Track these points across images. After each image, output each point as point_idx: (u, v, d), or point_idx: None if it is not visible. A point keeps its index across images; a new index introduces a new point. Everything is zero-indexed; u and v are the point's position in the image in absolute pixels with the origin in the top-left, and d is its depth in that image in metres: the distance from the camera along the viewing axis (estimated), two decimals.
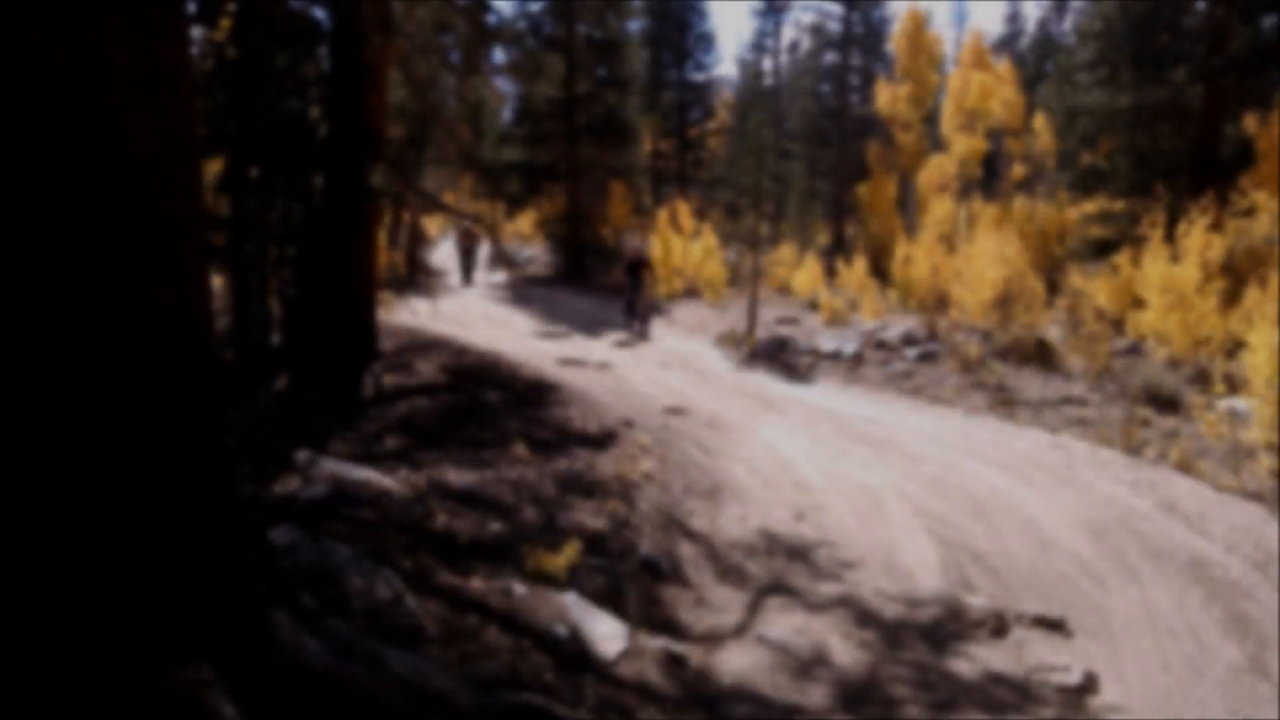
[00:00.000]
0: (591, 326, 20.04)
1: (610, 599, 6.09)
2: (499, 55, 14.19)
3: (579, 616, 5.51)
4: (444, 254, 29.81)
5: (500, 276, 26.72)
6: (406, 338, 14.02)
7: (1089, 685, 5.77)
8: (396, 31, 11.41)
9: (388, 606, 4.66)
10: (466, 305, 21.72)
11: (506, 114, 34.70)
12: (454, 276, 27.30)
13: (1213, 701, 5.66)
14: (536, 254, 32.75)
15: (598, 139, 27.25)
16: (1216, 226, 14.51)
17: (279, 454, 7.21)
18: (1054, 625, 6.64)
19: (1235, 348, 11.02)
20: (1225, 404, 10.47)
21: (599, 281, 26.79)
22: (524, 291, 24.53)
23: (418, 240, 22.54)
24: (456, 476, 7.48)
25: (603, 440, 9.83)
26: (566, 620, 5.43)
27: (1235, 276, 15.79)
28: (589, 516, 7.39)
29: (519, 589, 5.59)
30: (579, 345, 17.45)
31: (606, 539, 7.06)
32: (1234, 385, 10.78)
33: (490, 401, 10.54)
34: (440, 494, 6.91)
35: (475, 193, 25.88)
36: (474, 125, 28.91)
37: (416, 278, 23.66)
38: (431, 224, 33.54)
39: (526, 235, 38.58)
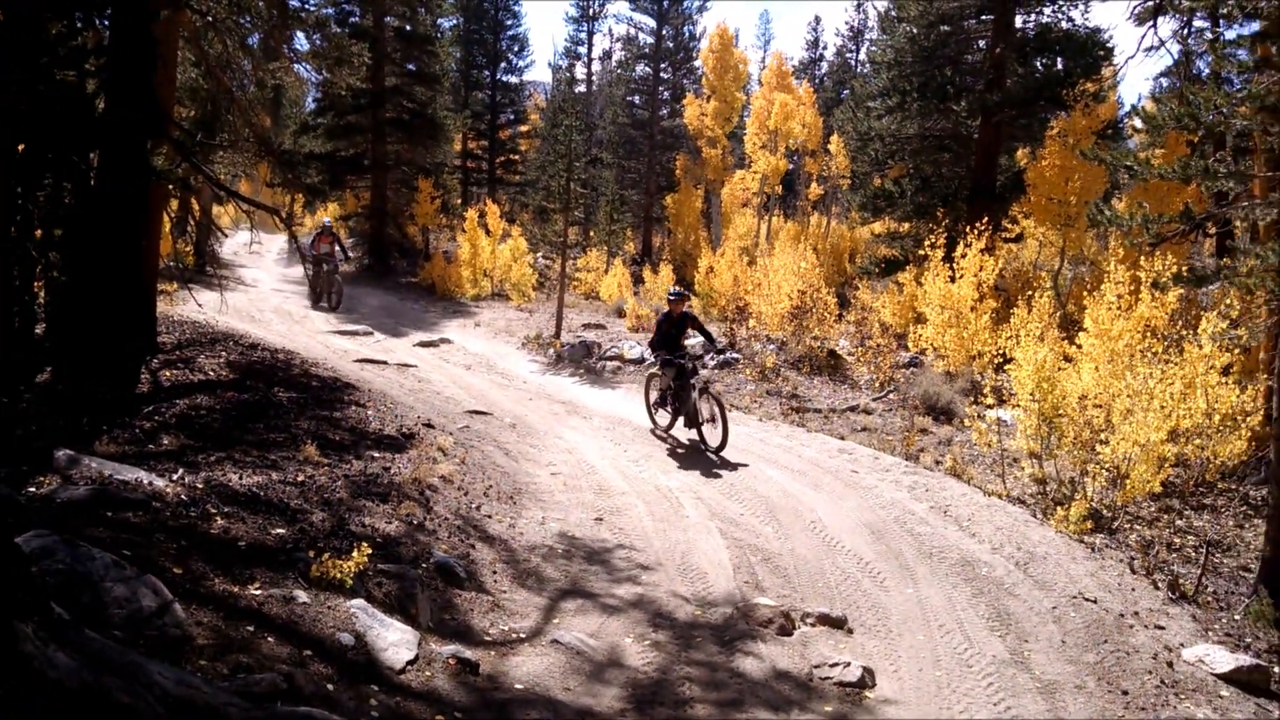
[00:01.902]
0: (395, 326, 19.51)
1: (401, 606, 5.89)
2: (301, 40, 13.50)
3: (366, 624, 5.29)
4: (235, 246, 28.28)
5: (296, 271, 25.58)
6: (191, 331, 13.18)
7: (866, 680, 6.03)
8: (188, 5, 10.72)
9: (152, 616, 4.32)
10: (259, 300, 20.69)
11: (309, 103, 33.40)
12: (250, 270, 25.93)
13: (978, 693, 6.04)
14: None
15: (405, 134, 26.56)
16: (990, 250, 15.60)
17: (38, 453, 6.60)
18: (836, 623, 6.92)
19: (1004, 362, 11.87)
20: (994, 415, 11.25)
21: (404, 280, 26.13)
22: None
23: (207, 230, 21.19)
24: (240, 479, 7.06)
25: (401, 442, 9.55)
26: (352, 628, 5.20)
27: (1005, 297, 17.07)
28: (382, 521, 7.14)
29: (302, 596, 5.31)
30: (380, 344, 16.93)
31: (400, 543, 6.84)
32: (1002, 398, 11.60)
33: (281, 400, 10.04)
34: (221, 497, 6.50)
35: (272, 183, 24.35)
36: (273, 112, 27.61)
37: (205, 269, 22.32)
38: (224, 214, 31.78)
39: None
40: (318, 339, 16.44)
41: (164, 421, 8.41)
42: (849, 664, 6.16)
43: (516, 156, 37.49)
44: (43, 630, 3.79)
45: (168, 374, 10.25)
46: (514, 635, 6.22)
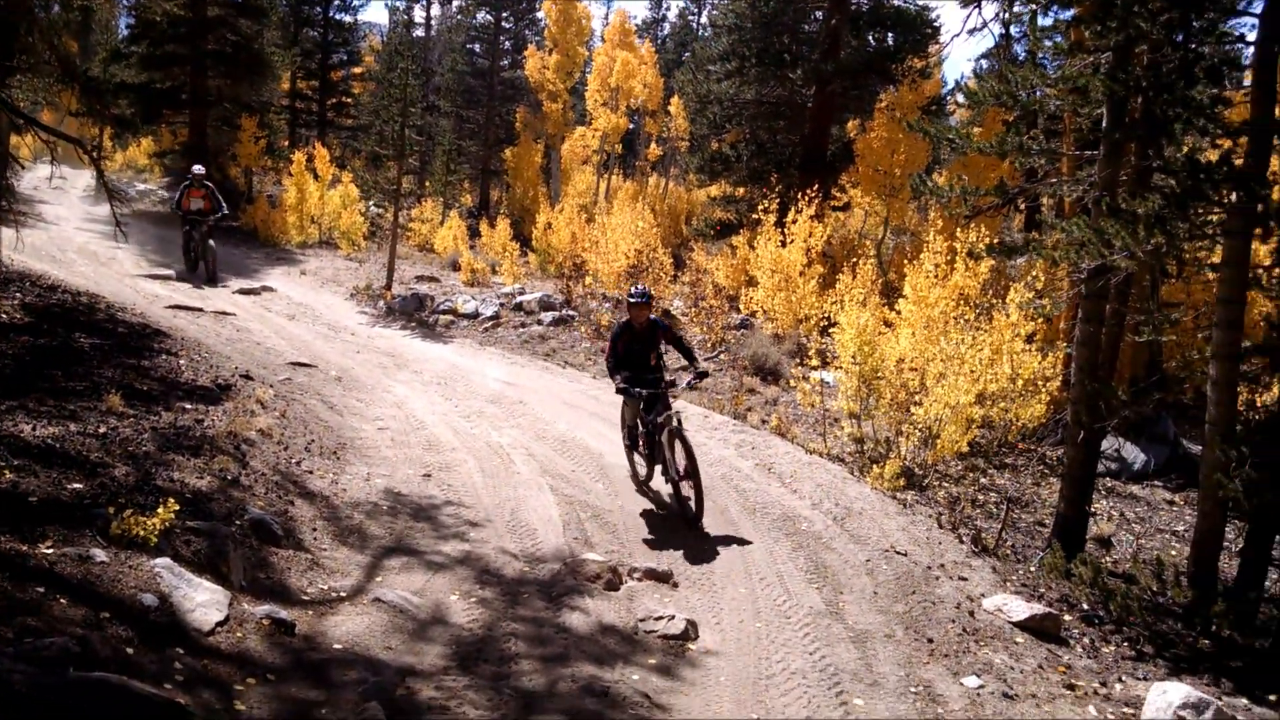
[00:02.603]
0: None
1: (211, 564, 5.59)
2: None
3: (172, 584, 5.00)
4: (36, 180, 26.08)
5: (103, 209, 23.83)
6: None
7: (689, 633, 6.15)
8: None
9: None
10: (62, 240, 19.19)
11: (122, 29, 31.05)
12: (52, 206, 23.98)
13: (795, 643, 6.26)
14: (153, 189, 29.64)
15: (228, 69, 24.97)
16: (819, 217, 16.06)
17: None
18: (662, 578, 7.02)
19: (829, 326, 12.28)
20: (818, 376, 11.64)
21: (226, 223, 24.74)
22: (137, 229, 22.08)
23: (3, 162, 19.45)
24: (33, 430, 6.54)
25: (215, 394, 9.06)
26: (156, 588, 4.90)
27: (832, 263, 17.64)
28: (193, 476, 6.76)
29: (100, 555, 4.96)
30: (196, 292, 16.00)
31: (212, 499, 6.50)
32: (826, 360, 12.01)
33: (83, 347, 9.35)
34: (10, 449, 5.99)
35: (77, 113, 22.34)
36: (81, 36, 25.50)
37: (0, 204, 20.48)
38: (22, 145, 29.22)
39: (141, 166, 34.84)
40: (126, 283, 15.40)
41: None
42: (674, 617, 6.26)
43: (349, 99, 35.93)
44: None
45: None
46: (333, 594, 6.03)
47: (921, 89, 20.39)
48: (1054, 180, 9.59)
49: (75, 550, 4.91)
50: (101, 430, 6.92)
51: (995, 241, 10.79)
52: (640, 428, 8.71)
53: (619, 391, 8.44)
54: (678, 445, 8.09)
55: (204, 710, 4.11)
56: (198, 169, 17.78)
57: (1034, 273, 11.17)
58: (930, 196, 9.73)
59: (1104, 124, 8.40)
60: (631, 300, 8.58)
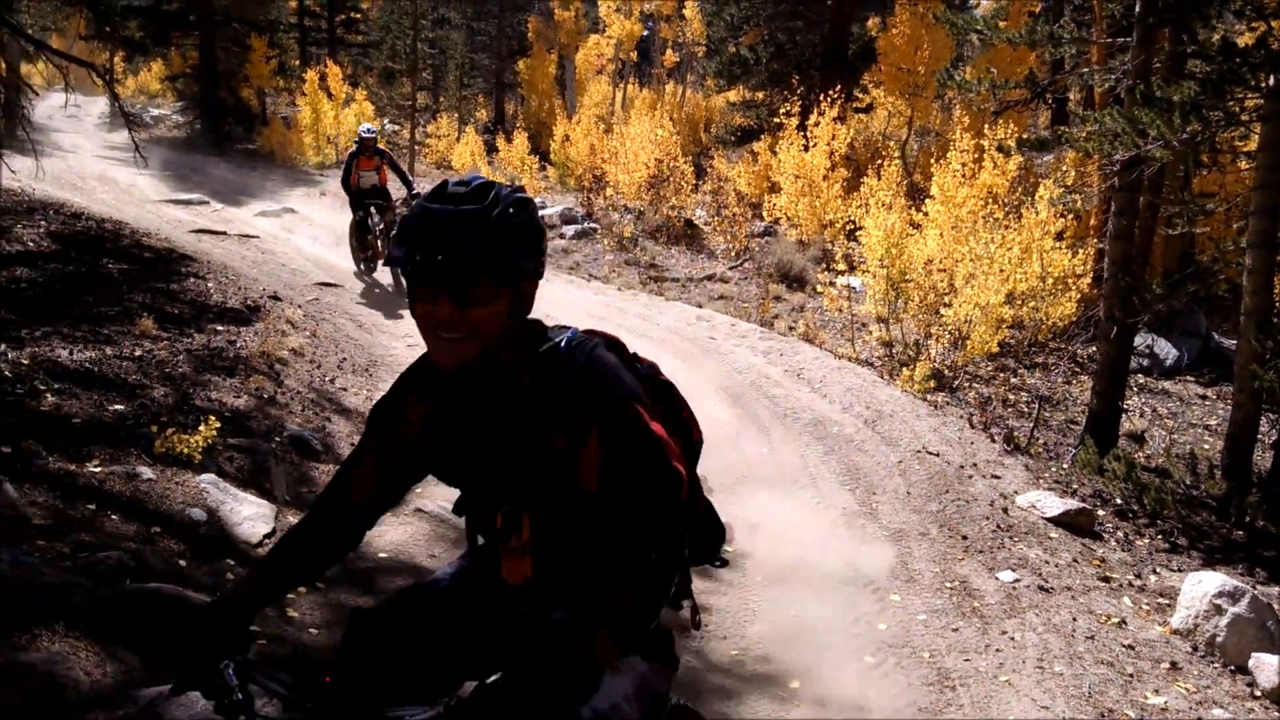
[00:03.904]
0: (233, 195, 18.42)
1: (254, 480, 5.70)
2: None
3: (218, 499, 5.10)
4: (50, 109, 25.95)
5: (119, 136, 23.75)
6: (5, 200, 12.09)
7: (725, 536, 6.22)
8: None
9: None
10: (80, 167, 19.17)
11: None
12: (68, 135, 23.86)
13: (830, 542, 6.33)
14: (167, 114, 29.44)
15: None
16: (842, 119, 15.76)
17: None
18: None
19: (855, 230, 12.14)
20: (844, 281, 11.55)
21: (240, 147, 24.61)
22: (153, 155, 22.00)
23: (17, 89, 19.30)
24: (70, 354, 6.60)
25: (246, 315, 9.10)
26: (204, 503, 5.00)
27: (855, 166, 17.36)
28: (230, 395, 6.83)
29: (147, 473, 5.06)
30: (218, 214, 16.00)
31: (250, 418, 6.58)
32: (852, 265, 11.91)
33: (111, 272, 9.39)
34: (49, 373, 6.06)
35: (87, 36, 22.00)
36: None
37: (16, 133, 20.43)
38: (34, 73, 28.99)
39: (154, 92, 34.57)
40: (149, 209, 15.40)
41: None
42: None
43: (358, 15, 35.32)
44: None
45: None
46: None
47: None
48: (1085, 70, 9.34)
49: (122, 468, 5.00)
50: (137, 353, 6.99)
51: (1024, 137, 10.56)
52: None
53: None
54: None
55: (259, 618, 4.22)
56: (366, 130, 12.50)
57: (1064, 168, 10.97)
58: (957, 91, 9.51)
59: (1136, 9, 8.13)
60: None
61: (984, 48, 16.57)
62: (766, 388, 9.38)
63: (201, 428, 5.55)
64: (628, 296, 12.97)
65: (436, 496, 6.32)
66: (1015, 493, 7.35)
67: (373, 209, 12.07)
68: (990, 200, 10.83)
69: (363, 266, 12.59)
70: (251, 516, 5.09)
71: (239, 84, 26.09)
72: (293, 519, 5.39)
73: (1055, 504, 7.02)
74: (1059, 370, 11.14)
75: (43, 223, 11.07)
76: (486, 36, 33.33)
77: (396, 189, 12.82)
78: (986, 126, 11.81)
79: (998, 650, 5.09)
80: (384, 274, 12.39)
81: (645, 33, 34.58)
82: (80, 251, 10.00)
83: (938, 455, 7.89)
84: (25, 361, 6.11)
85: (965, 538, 6.53)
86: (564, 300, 12.42)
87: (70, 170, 18.27)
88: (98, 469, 4.91)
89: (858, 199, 12.34)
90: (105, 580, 3.89)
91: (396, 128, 27.22)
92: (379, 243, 12.11)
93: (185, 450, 5.37)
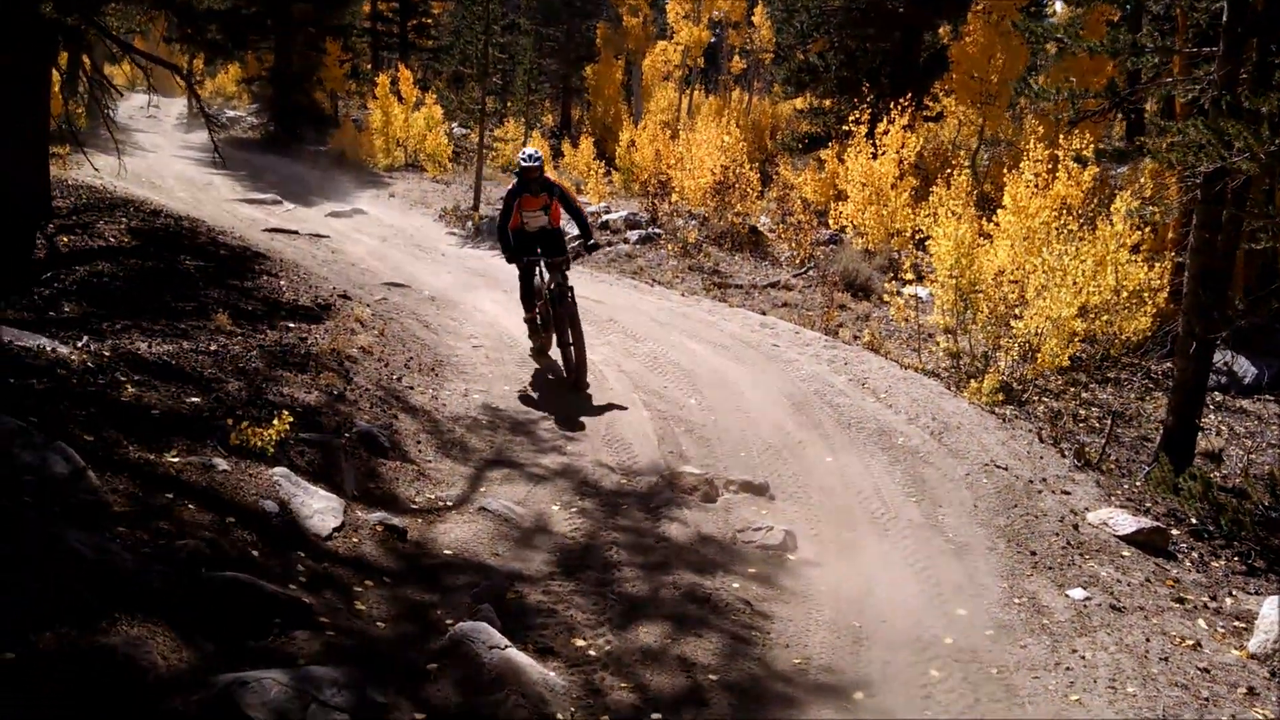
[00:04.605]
0: (305, 195, 18.81)
1: (325, 474, 5.79)
2: None
3: (290, 491, 5.19)
4: (131, 110, 26.72)
5: (197, 137, 24.36)
6: (88, 196, 12.49)
7: (788, 543, 6.18)
8: None
9: (65, 483, 4.15)
10: (160, 166, 19.71)
11: None
12: (147, 134, 24.54)
13: (894, 554, 6.25)
14: (242, 115, 30.14)
15: None
16: (911, 128, 15.58)
17: None
18: (759, 490, 7.04)
19: (923, 240, 11.98)
20: (911, 291, 11.40)
21: (312, 149, 25.08)
22: (228, 155, 22.54)
23: (102, 89, 19.89)
24: (149, 347, 6.78)
25: (317, 313, 9.27)
26: (276, 495, 5.10)
27: (924, 175, 17.15)
28: (301, 391, 6.96)
29: (221, 464, 5.17)
30: (290, 214, 16.34)
31: (321, 413, 6.69)
32: (920, 274, 11.75)
33: (188, 269, 9.63)
34: (130, 365, 6.23)
35: (169, 38, 22.51)
36: None
37: (100, 132, 21.07)
38: (118, 74, 29.88)
39: (230, 94, 35.40)
40: (224, 208, 15.79)
41: (64, 289, 8.02)
42: (772, 528, 6.29)
43: (430, 20, 35.81)
44: None
45: (65, 240, 9.72)
46: (440, 503, 6.20)
47: None
48: (1168, 80, 9.10)
49: (199, 459, 5.12)
50: (212, 348, 7.16)
51: (1101, 147, 10.34)
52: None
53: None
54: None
55: (328, 610, 4.29)
56: (528, 157, 8.95)
57: (1141, 179, 10.71)
58: (1035, 100, 9.34)
59: (1224, 18, 7.91)
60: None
61: (1059, 56, 16.25)
62: (830, 396, 9.29)
63: (275, 422, 5.66)
64: (691, 302, 12.95)
65: (499, 495, 6.37)
66: (1086, 509, 7.19)
67: (546, 268, 9.00)
68: (1064, 211, 10.62)
69: (534, 341, 9.64)
70: (321, 510, 5.18)
71: (312, 87, 26.62)
72: (361, 514, 5.48)
73: (1128, 522, 6.85)
74: (1132, 386, 10.87)
75: (124, 219, 11.39)
76: (555, 42, 33.58)
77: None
78: (1061, 136, 11.57)
79: (1067, 669, 4.98)
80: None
81: (713, 39, 34.57)
82: (159, 248, 10.27)
83: (1006, 469, 7.74)
84: (107, 353, 6.29)
85: (1034, 553, 6.39)
86: (627, 304, 12.45)
87: (150, 169, 18.79)
88: (175, 459, 5.04)
89: (926, 208, 12.19)
90: (183, 568, 3.98)
91: (465, 131, 27.53)
92: (548, 310, 9.01)
93: (259, 443, 5.49)
